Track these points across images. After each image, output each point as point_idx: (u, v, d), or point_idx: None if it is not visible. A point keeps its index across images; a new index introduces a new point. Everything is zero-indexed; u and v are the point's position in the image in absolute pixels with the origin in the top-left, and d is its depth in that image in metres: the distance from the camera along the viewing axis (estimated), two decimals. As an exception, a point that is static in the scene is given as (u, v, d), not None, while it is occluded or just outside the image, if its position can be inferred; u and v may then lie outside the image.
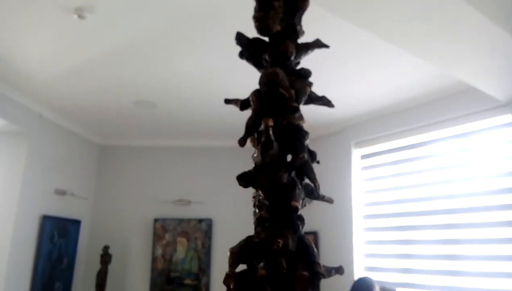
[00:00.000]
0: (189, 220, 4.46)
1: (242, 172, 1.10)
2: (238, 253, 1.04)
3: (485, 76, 2.59)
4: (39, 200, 3.81)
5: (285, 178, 1.06)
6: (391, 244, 3.55)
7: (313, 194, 1.13)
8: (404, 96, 3.38)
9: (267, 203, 1.08)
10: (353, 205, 3.80)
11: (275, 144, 1.05)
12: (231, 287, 1.02)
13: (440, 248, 3.20)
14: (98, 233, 4.43)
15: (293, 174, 1.10)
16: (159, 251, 4.39)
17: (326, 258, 3.81)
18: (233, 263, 1.02)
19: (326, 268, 1.07)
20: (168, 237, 4.41)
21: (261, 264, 1.03)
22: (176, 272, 4.33)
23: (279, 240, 1.00)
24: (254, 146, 1.15)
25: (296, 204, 1.04)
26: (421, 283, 3.25)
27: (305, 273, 1.02)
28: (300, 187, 1.09)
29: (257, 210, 1.12)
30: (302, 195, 1.09)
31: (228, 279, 1.01)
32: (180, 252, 4.38)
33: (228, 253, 1.03)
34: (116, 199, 4.59)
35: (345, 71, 2.99)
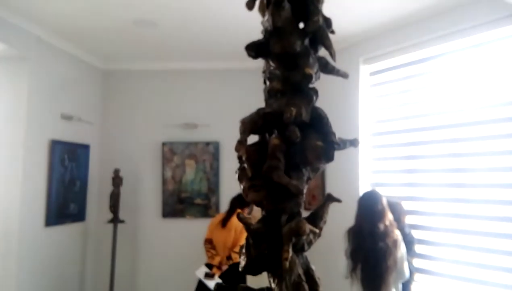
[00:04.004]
0: (196, 143, 4.50)
1: (251, 41, 1.03)
2: (249, 122, 1.00)
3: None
4: (46, 124, 3.81)
5: (298, 45, 0.99)
6: (398, 160, 3.56)
7: (327, 67, 1.07)
8: (416, 6, 3.18)
9: (278, 73, 1.03)
10: (360, 122, 3.76)
11: (287, 5, 0.97)
12: (243, 157, 1.00)
13: (446, 161, 3.20)
14: (108, 157, 4.50)
15: (306, 42, 1.04)
16: (168, 173, 4.49)
17: (332, 175, 3.87)
18: (244, 131, 0.99)
19: (341, 139, 1.05)
20: (176, 159, 4.48)
21: (274, 135, 1.01)
22: (187, 192, 4.46)
23: (292, 109, 0.96)
24: (263, 13, 1.06)
25: (310, 71, 0.98)
26: (426, 196, 3.30)
27: (319, 143, 0.99)
28: (314, 56, 1.03)
29: (267, 83, 1.07)
30: (316, 66, 1.03)
31: (240, 145, 0.99)
32: (189, 174, 4.48)
33: (240, 123, 1.00)
34: (123, 123, 4.60)
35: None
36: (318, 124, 1.03)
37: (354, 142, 1.08)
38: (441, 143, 3.24)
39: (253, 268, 1.00)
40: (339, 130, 3.64)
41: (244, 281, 3.28)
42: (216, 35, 3.79)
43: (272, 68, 1.05)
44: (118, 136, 4.59)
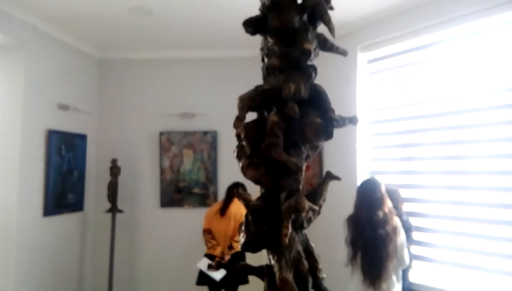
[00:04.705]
0: (194, 133, 4.49)
1: (249, 17, 1.01)
2: (247, 99, 0.99)
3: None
4: (42, 114, 3.78)
5: (296, 20, 0.98)
6: (396, 148, 3.56)
7: (326, 44, 1.06)
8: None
9: (276, 49, 1.01)
10: (358, 110, 3.75)
11: (285, -21, 0.96)
12: (241, 135, 0.99)
13: (444, 148, 3.19)
14: (105, 147, 4.48)
15: (305, 17, 1.02)
16: (166, 163, 4.47)
17: (330, 163, 3.86)
18: (242, 107, 0.98)
19: (340, 116, 1.04)
20: (174, 149, 4.47)
21: (272, 112, 1.00)
22: (185, 182, 4.46)
23: (291, 85, 0.95)
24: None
25: (309, 46, 0.97)
26: (424, 184, 3.30)
27: (318, 120, 0.98)
28: (312, 32, 1.01)
29: (265, 60, 1.05)
30: (315, 42, 1.01)
31: (238, 122, 0.97)
32: (187, 163, 4.47)
33: (237, 100, 0.99)
34: (120, 113, 4.58)
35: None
36: (317, 101, 1.02)
37: (353, 120, 1.07)
38: (439, 131, 3.23)
39: (253, 245, 0.99)
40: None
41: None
42: (214, 23, 3.75)
43: (270, 44, 1.03)
44: (116, 126, 4.56)
